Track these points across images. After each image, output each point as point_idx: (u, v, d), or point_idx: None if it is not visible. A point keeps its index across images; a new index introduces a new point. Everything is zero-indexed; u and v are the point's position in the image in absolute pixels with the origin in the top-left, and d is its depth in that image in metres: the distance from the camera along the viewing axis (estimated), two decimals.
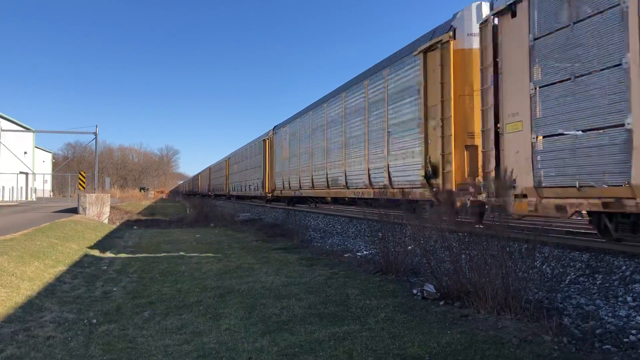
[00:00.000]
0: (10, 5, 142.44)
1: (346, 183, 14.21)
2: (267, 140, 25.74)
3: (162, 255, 11.03)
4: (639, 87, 5.24)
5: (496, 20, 7.75)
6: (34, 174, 46.79)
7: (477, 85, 8.52)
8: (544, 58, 6.62)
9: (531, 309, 4.69)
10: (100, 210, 21.60)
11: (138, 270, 9.00)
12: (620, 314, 4.72)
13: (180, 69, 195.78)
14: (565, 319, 4.66)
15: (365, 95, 12.99)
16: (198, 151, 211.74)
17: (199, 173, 70.74)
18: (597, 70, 5.79)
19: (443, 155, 9.29)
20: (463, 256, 5.71)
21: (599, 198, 5.82)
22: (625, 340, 4.09)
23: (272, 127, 25.22)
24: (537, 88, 6.72)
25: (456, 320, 4.89)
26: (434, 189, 9.31)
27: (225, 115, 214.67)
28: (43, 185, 57.37)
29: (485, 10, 8.70)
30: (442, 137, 9.32)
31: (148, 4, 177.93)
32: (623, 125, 5.42)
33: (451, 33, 9.24)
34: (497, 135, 7.58)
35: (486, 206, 7.91)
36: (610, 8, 5.61)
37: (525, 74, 6.93)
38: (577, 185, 5.99)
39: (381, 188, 11.44)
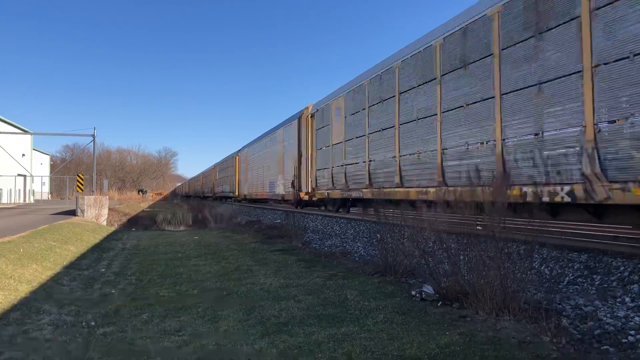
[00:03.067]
0: (6, 6, 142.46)
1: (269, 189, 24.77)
2: (237, 157, 34.95)
3: (160, 257, 11.02)
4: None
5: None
6: (32, 176, 46.72)
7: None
8: (318, 138, 16.32)
9: (530, 310, 4.70)
10: (98, 213, 21.59)
11: (136, 272, 8.99)
12: (618, 314, 4.73)
13: (178, 69, 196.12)
14: (564, 320, 4.66)
15: (278, 138, 22.92)
16: (196, 152, 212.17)
17: (194, 177, 78.18)
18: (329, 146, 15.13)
19: (299, 175, 18.91)
20: (461, 257, 5.72)
21: (341, 191, 14.18)
22: (624, 340, 4.10)
23: (241, 147, 34.98)
24: (317, 151, 16.34)
25: (455, 321, 4.89)
26: (296, 192, 19.11)
27: (224, 115, 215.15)
28: (41, 187, 57.30)
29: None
30: (299, 166, 18.90)
31: (146, 3, 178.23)
32: (328, 168, 15.36)
33: (307, 113, 18.47)
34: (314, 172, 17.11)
35: (312, 198, 17.19)
36: (326, 125, 15.58)
37: (313, 144, 16.99)
38: (330, 187, 15.16)
39: (282, 191, 22.02)
